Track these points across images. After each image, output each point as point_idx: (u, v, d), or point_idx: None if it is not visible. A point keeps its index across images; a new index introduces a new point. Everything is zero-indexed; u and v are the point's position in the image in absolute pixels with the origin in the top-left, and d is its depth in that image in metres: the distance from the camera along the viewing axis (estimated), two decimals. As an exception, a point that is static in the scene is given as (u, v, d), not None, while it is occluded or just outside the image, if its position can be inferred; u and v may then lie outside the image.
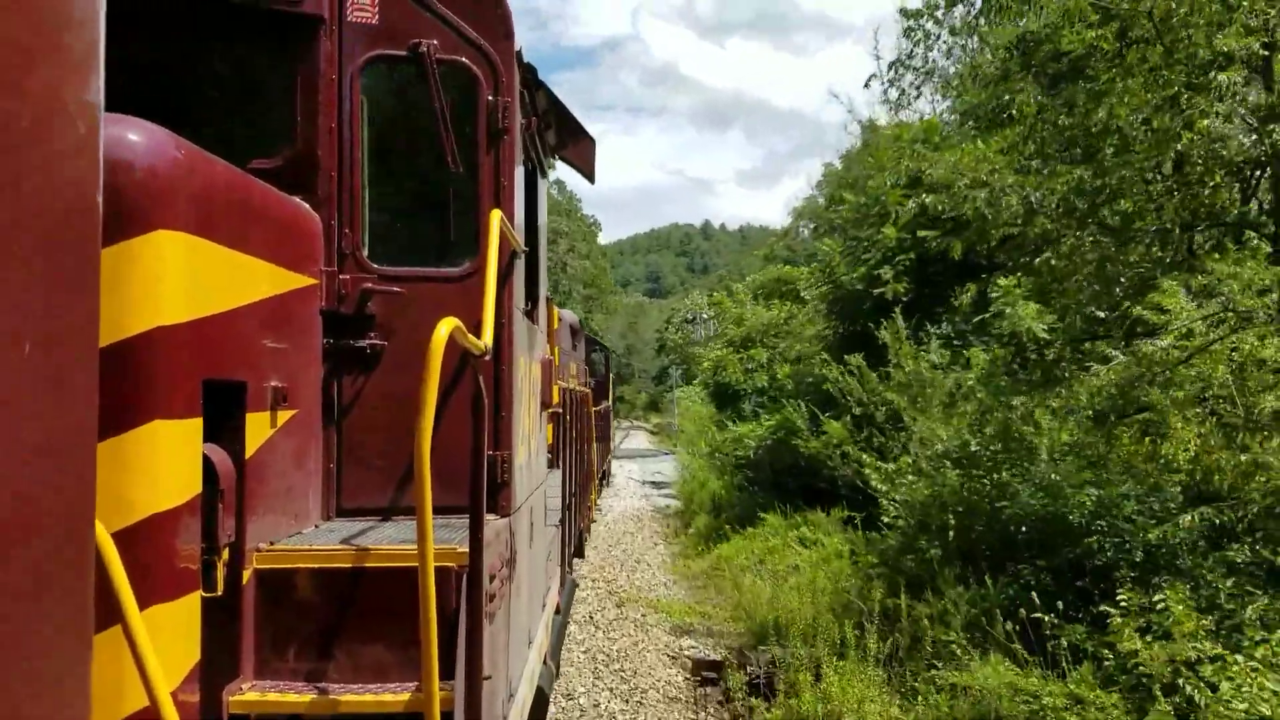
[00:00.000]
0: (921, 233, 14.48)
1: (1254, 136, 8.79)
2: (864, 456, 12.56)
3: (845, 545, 12.45)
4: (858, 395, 14.24)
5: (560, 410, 8.64)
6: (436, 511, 2.97)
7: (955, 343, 14.37)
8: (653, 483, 30.15)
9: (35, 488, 1.16)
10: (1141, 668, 6.24)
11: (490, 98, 4.11)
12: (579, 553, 13.44)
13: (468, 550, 3.26)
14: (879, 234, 16.14)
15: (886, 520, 11.21)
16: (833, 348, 16.98)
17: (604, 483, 24.40)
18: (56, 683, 1.20)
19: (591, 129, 5.85)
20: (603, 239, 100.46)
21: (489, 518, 3.65)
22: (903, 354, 13.49)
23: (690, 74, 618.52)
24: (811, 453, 15.01)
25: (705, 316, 59.67)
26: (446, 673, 3.11)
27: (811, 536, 13.69)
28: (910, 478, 11.40)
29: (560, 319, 11.17)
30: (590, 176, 6.26)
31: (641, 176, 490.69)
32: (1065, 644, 7.08)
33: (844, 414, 14.47)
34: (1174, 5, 8.21)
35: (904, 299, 14.81)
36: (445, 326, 2.83)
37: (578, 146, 6.00)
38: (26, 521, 1.13)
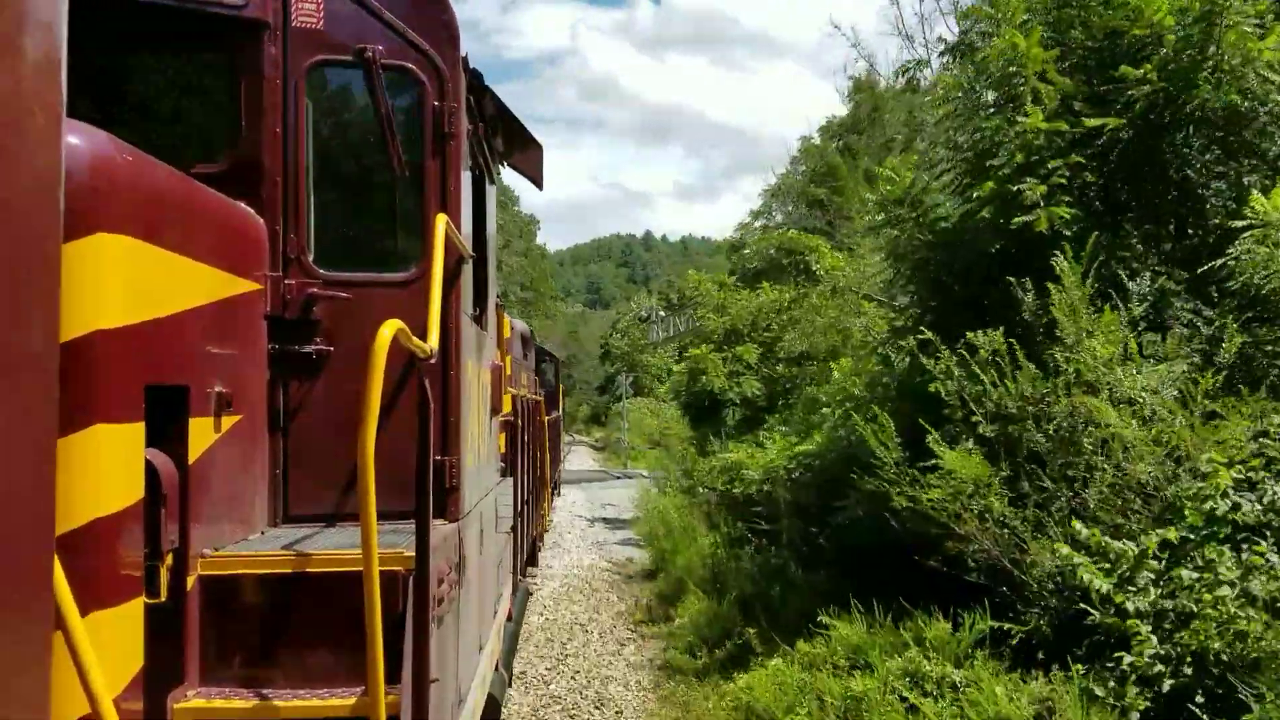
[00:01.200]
0: (1092, 120, 8.16)
1: None
2: (1077, 529, 6.17)
3: (1032, 706, 5.87)
4: (995, 405, 7.47)
5: (513, 418, 8.64)
6: (384, 517, 2.97)
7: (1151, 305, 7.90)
8: (604, 519, 22.26)
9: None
10: None
11: (436, 103, 4.13)
12: (532, 560, 13.42)
13: (414, 554, 3.27)
14: (1011, 126, 8.66)
15: (1137, 666, 5.50)
16: (914, 328, 9.66)
17: (555, 493, 23.30)
18: (18, 678, 1.20)
19: (532, 141, 5.88)
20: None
21: (436, 522, 3.65)
22: (1102, 325, 7.25)
23: (629, 88, 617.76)
24: (918, 507, 7.49)
25: (661, 314, 53.02)
26: (393, 677, 3.11)
27: (934, 673, 6.72)
28: (1190, 576, 5.66)
29: (512, 328, 11.18)
30: (539, 183, 6.28)
31: (578, 189, 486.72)
32: None
33: (963, 437, 7.65)
34: None
35: (1068, 234, 7.98)
36: (389, 329, 2.85)
37: (526, 153, 6.03)
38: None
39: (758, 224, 39.02)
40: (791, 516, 11.72)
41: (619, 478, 33.95)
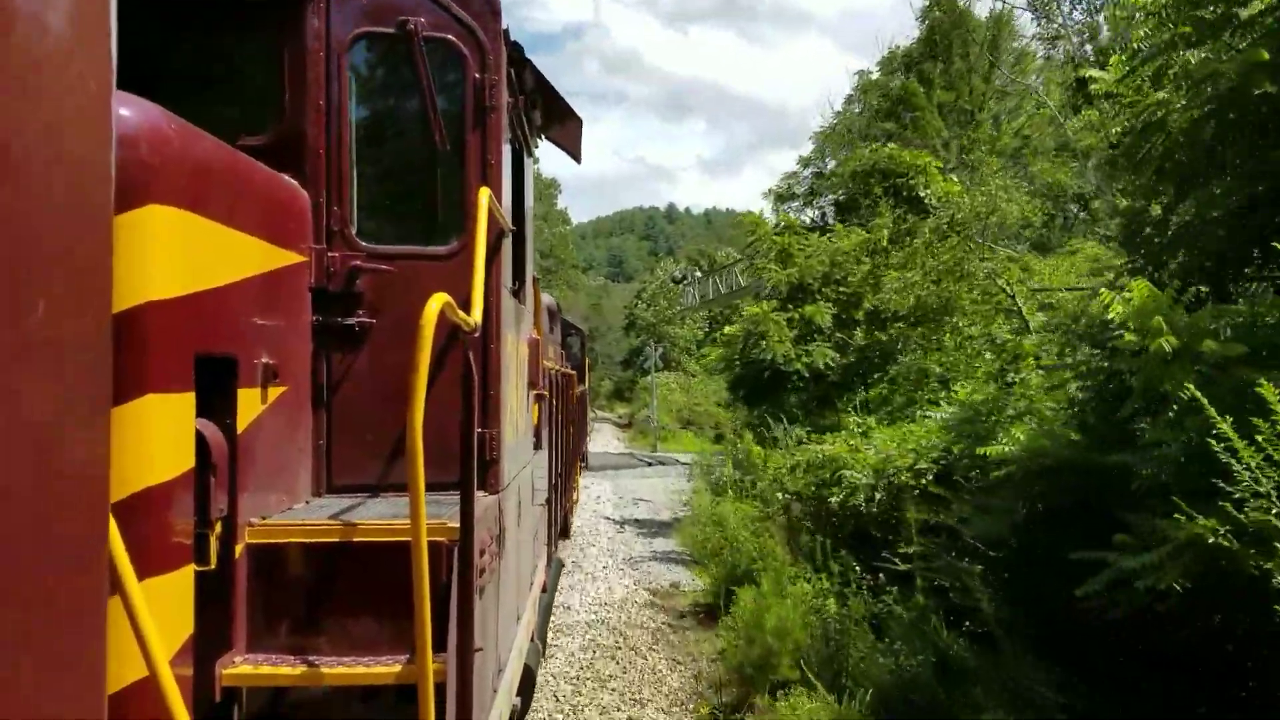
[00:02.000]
0: None
1: None
2: None
3: None
4: None
5: (545, 393, 8.67)
6: (425, 488, 2.99)
7: None
8: (636, 521, 18.06)
9: (55, 452, 1.17)
10: None
11: (477, 75, 4.12)
12: (564, 533, 13.50)
13: (458, 525, 3.29)
14: None
15: None
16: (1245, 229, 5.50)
17: (583, 464, 22.94)
18: (80, 647, 1.22)
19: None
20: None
21: (477, 494, 3.68)
22: None
23: (652, 62, 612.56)
24: None
25: (698, 274, 45.78)
26: (437, 645, 3.14)
27: None
28: None
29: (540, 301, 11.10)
30: (577, 157, 6.27)
31: (602, 163, 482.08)
32: None
33: None
34: None
35: None
36: (436, 302, 2.86)
37: (564, 126, 6.01)
38: (54, 488, 1.15)
39: (806, 172, 34.09)
40: (934, 550, 7.56)
41: (649, 463, 30.59)
